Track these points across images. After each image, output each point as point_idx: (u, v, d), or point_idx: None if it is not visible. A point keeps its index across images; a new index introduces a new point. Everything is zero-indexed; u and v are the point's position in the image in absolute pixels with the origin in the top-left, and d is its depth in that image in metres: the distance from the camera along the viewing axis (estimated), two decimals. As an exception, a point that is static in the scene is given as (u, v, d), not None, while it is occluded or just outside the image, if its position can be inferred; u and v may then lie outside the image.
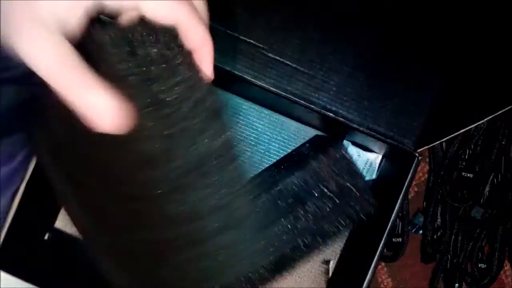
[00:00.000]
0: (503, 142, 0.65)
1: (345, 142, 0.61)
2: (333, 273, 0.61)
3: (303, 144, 0.61)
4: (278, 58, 0.53)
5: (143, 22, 0.36)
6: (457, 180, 0.65)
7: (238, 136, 0.62)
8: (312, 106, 0.53)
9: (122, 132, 0.34)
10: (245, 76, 0.53)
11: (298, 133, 0.62)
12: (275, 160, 0.61)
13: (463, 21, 0.52)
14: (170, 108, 0.36)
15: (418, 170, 0.57)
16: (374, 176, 0.61)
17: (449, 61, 0.54)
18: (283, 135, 0.62)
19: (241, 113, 0.62)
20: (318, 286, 0.61)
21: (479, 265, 0.66)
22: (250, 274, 0.47)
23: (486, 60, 0.51)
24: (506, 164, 0.65)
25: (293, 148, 0.62)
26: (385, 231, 0.52)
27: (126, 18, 0.36)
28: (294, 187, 0.51)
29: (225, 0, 0.54)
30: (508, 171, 0.65)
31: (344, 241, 0.61)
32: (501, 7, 0.48)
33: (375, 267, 0.52)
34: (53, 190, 0.42)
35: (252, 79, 0.53)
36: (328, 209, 0.51)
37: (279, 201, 0.51)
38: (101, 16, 0.51)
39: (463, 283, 0.66)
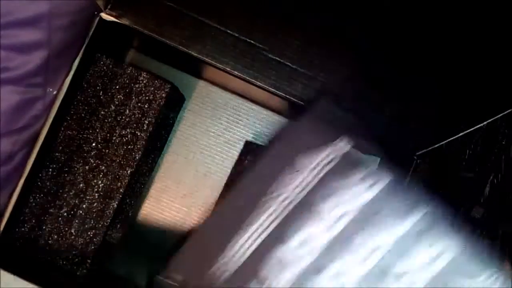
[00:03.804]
0: (503, 142, 0.65)
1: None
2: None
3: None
4: (278, 59, 0.53)
5: None
6: (457, 180, 0.65)
7: (237, 136, 0.62)
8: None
9: None
10: (245, 76, 0.53)
11: (297, 134, 0.62)
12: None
13: (462, 25, 0.51)
14: None
15: (418, 170, 0.57)
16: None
17: (448, 65, 0.53)
18: (282, 136, 0.62)
19: (241, 113, 0.62)
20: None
21: (479, 265, 0.66)
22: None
23: (485, 64, 0.51)
24: (506, 164, 0.65)
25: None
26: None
27: None
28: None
29: (226, 0, 0.54)
30: (508, 171, 0.65)
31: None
32: (501, 10, 0.48)
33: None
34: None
35: (252, 80, 0.53)
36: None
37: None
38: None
39: (463, 283, 0.66)
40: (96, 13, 0.52)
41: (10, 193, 0.52)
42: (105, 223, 0.55)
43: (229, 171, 0.62)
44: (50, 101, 0.52)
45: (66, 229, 0.55)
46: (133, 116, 0.56)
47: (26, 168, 0.52)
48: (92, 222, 0.55)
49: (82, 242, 0.55)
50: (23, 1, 0.48)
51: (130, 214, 0.60)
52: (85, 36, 0.53)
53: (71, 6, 0.51)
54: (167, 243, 0.61)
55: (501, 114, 0.45)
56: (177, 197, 0.62)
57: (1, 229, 0.52)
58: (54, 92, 0.53)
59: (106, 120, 0.56)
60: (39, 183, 0.55)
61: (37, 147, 0.52)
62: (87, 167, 0.56)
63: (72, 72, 0.53)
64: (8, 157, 0.51)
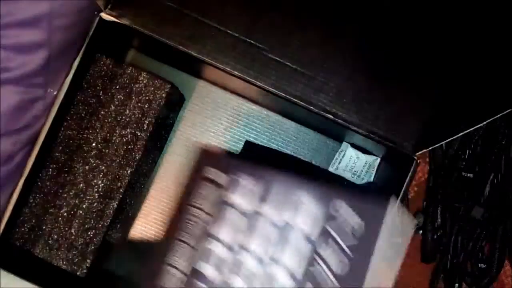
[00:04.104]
0: (503, 142, 0.65)
1: (344, 144, 0.61)
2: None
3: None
4: (279, 59, 0.53)
5: None
6: (457, 180, 0.65)
7: (237, 136, 0.62)
8: (312, 107, 0.53)
9: None
10: (245, 77, 0.53)
11: (297, 134, 0.62)
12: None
13: (462, 25, 0.51)
14: None
15: (418, 170, 0.57)
16: (372, 179, 0.61)
17: (448, 65, 0.53)
18: (282, 136, 0.62)
19: (241, 113, 0.62)
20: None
21: (479, 265, 0.66)
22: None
23: (484, 63, 0.51)
24: (506, 164, 0.65)
25: (292, 149, 0.62)
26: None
27: None
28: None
29: (226, 0, 0.54)
30: (508, 171, 0.65)
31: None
32: (501, 10, 0.48)
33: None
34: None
35: (252, 80, 0.53)
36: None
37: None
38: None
39: (463, 283, 0.66)
40: (96, 13, 0.52)
41: (10, 193, 0.52)
42: (105, 223, 0.55)
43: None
44: (50, 101, 0.52)
45: (66, 229, 0.55)
46: (133, 116, 0.56)
47: (26, 168, 0.52)
48: (92, 222, 0.55)
49: (82, 242, 0.55)
50: (23, 1, 0.48)
51: (130, 214, 0.60)
52: (85, 36, 0.53)
53: (71, 6, 0.51)
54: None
55: (501, 114, 0.45)
56: (177, 197, 0.62)
57: (1, 229, 0.52)
58: (55, 93, 0.53)
59: (106, 120, 0.56)
60: (39, 183, 0.55)
61: (37, 147, 0.52)
62: (87, 167, 0.56)
63: (72, 72, 0.53)
64: (8, 157, 0.51)
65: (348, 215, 0.44)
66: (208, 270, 0.47)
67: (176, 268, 0.49)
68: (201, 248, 0.48)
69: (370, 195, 0.46)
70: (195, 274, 0.47)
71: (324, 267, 0.43)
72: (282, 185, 0.47)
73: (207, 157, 0.52)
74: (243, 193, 0.48)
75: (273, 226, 0.46)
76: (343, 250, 0.43)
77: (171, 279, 0.49)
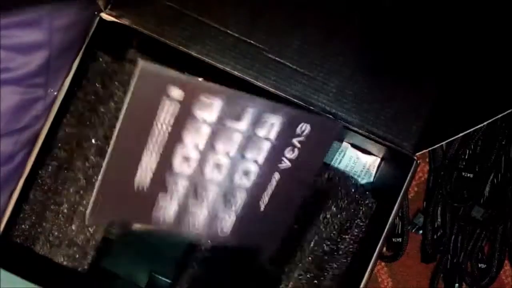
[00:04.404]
0: (503, 142, 0.65)
1: (344, 144, 0.61)
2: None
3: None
4: (278, 59, 0.53)
5: None
6: (457, 180, 0.65)
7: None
8: (312, 107, 0.53)
9: None
10: (245, 77, 0.53)
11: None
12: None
13: (462, 25, 0.51)
14: None
15: (418, 170, 0.57)
16: (372, 179, 0.61)
17: (448, 65, 0.53)
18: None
19: (241, 112, 0.62)
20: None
21: (479, 265, 0.67)
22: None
23: (485, 63, 0.51)
24: (506, 164, 0.65)
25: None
26: (383, 232, 0.53)
27: None
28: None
29: (226, 0, 0.53)
30: (508, 171, 0.65)
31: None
32: (501, 9, 0.48)
33: (373, 267, 0.52)
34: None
35: (252, 80, 0.53)
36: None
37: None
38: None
39: (463, 283, 0.66)
40: (96, 13, 0.52)
41: (10, 193, 0.52)
42: (105, 220, 0.55)
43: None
44: (50, 101, 0.53)
45: (67, 225, 0.55)
46: (132, 114, 0.56)
47: (27, 166, 0.52)
48: (92, 220, 0.55)
49: (82, 238, 0.55)
50: (23, 1, 0.48)
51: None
52: (85, 36, 0.53)
53: (71, 6, 0.51)
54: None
55: (501, 114, 0.45)
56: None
57: (2, 228, 0.52)
58: (55, 93, 0.53)
59: (105, 117, 0.56)
60: (39, 180, 0.55)
61: (37, 146, 0.52)
62: (87, 163, 0.56)
63: (72, 72, 0.53)
64: (9, 157, 0.51)
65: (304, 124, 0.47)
66: (177, 166, 0.48)
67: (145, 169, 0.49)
68: (167, 152, 0.48)
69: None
70: (165, 170, 0.49)
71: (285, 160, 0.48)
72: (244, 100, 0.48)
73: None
74: (205, 107, 0.48)
75: (237, 131, 0.48)
76: (298, 148, 0.48)
77: (142, 177, 0.49)
